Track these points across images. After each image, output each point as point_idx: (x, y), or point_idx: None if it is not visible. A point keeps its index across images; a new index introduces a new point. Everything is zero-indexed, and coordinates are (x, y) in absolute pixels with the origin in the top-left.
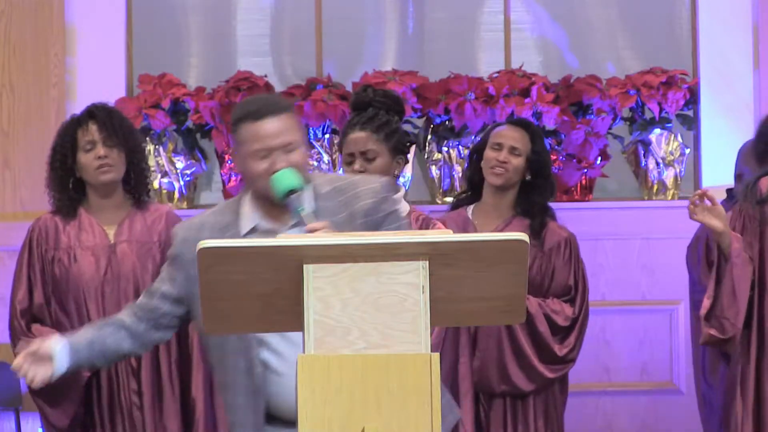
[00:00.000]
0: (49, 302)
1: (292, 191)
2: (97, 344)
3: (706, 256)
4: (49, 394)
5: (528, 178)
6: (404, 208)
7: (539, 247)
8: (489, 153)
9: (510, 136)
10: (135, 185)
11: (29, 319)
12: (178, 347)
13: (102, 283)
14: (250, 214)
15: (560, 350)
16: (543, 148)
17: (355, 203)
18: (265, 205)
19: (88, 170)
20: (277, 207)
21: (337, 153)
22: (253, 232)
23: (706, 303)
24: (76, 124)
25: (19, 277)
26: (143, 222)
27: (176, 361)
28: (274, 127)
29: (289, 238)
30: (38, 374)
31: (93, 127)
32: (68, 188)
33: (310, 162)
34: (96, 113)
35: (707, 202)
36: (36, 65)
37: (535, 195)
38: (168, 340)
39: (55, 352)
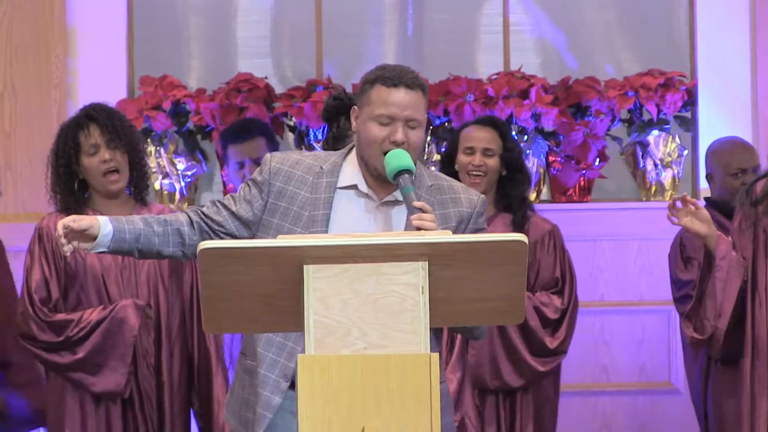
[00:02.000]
0: (65, 297)
1: (405, 171)
2: (143, 239)
3: (681, 253)
4: (92, 361)
5: (503, 173)
6: None
7: None
8: (463, 158)
9: (480, 137)
10: (137, 184)
11: (50, 308)
12: (198, 348)
13: (120, 269)
14: (353, 171)
15: (551, 342)
16: (513, 143)
17: (450, 207)
18: (367, 172)
19: (94, 175)
20: (377, 179)
21: None
22: (350, 188)
23: (691, 305)
24: (76, 126)
25: (31, 272)
26: None
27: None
28: (406, 99)
29: (289, 239)
30: (82, 244)
31: (95, 131)
32: (74, 190)
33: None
34: (96, 115)
35: (691, 207)
36: (37, 67)
37: (512, 189)
38: None
39: (101, 232)
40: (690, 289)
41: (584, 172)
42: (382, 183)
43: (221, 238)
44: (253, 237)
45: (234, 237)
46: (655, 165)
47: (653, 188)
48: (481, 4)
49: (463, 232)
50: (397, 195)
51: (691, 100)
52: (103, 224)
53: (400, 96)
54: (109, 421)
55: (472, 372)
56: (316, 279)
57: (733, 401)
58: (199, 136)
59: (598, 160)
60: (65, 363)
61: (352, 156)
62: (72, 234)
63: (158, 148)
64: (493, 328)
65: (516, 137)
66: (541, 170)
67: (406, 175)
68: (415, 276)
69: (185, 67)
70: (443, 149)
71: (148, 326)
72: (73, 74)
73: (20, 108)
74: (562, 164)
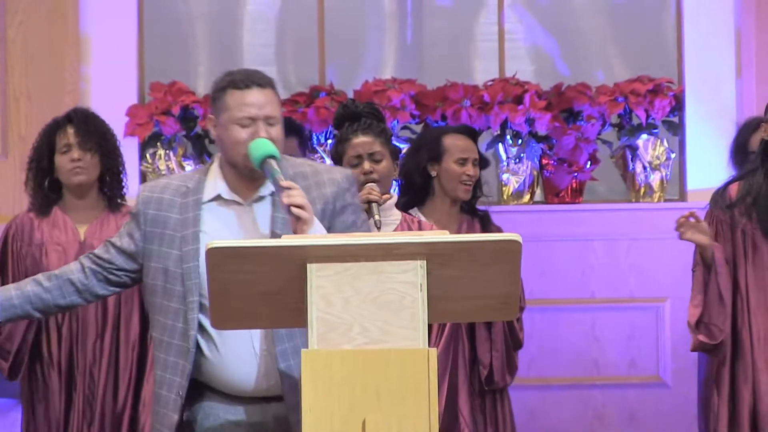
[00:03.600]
0: None
1: (269, 156)
2: (35, 299)
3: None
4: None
5: None
6: (395, 215)
7: None
8: (455, 168)
9: (471, 148)
10: (110, 188)
11: None
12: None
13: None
14: (215, 183)
15: (522, 337)
16: (483, 155)
17: (314, 191)
18: (233, 176)
19: (62, 171)
20: (244, 180)
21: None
22: (215, 200)
23: (695, 311)
24: (55, 127)
25: None
26: (115, 222)
27: (135, 357)
28: (260, 98)
29: (293, 239)
30: None
31: (70, 131)
32: (43, 187)
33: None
34: (73, 117)
35: (692, 220)
36: (52, 74)
37: (477, 196)
38: (113, 294)
39: None
40: None
41: (576, 174)
42: (249, 183)
43: (114, 275)
44: (140, 268)
45: (124, 271)
46: (644, 168)
47: (642, 190)
48: (477, 13)
49: (332, 213)
50: (262, 191)
51: (678, 106)
52: None
53: (254, 96)
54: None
55: (496, 375)
56: (318, 277)
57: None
58: (206, 140)
59: (589, 163)
60: None
61: (214, 167)
62: None
63: (168, 151)
64: (501, 327)
65: (511, 141)
66: (535, 173)
67: (271, 159)
68: (413, 274)
69: (193, 73)
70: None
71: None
72: (86, 81)
73: (35, 113)
74: (554, 167)
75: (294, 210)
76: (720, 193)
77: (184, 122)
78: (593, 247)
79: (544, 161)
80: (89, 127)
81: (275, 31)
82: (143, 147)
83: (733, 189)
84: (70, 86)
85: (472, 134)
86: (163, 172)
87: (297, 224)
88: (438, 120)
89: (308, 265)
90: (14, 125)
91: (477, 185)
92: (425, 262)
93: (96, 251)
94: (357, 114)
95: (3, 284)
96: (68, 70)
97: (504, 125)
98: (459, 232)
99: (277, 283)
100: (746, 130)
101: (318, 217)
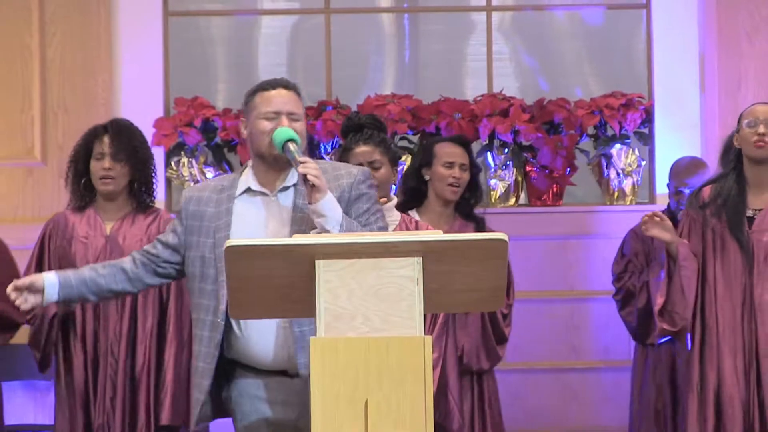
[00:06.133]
0: None
1: (290, 140)
2: (90, 282)
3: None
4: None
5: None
6: (395, 216)
7: None
8: (442, 171)
9: (458, 153)
10: (139, 193)
11: None
12: (158, 326)
13: (96, 258)
14: (246, 178)
15: (506, 332)
16: (475, 161)
17: (333, 181)
18: (261, 169)
19: (94, 177)
20: (270, 171)
21: None
22: (246, 192)
23: (660, 301)
24: (93, 133)
25: (30, 262)
26: (140, 221)
27: (155, 334)
28: (284, 96)
29: (303, 238)
30: (29, 300)
31: (106, 140)
32: (80, 187)
33: None
34: (110, 128)
35: (657, 219)
36: (86, 89)
37: (472, 201)
38: (162, 284)
39: (46, 286)
40: (615, 282)
41: (556, 180)
42: (275, 174)
43: (161, 267)
44: (183, 259)
45: (170, 263)
46: (618, 174)
47: (616, 194)
48: (468, 37)
49: (348, 200)
50: (287, 182)
51: (648, 118)
52: (47, 277)
53: (279, 94)
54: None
55: (467, 358)
56: (326, 272)
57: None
58: (225, 149)
59: (568, 169)
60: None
61: (247, 168)
62: (19, 292)
63: (190, 159)
64: (476, 318)
65: (498, 150)
66: (519, 178)
67: (291, 143)
68: (411, 269)
69: (214, 89)
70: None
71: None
72: (117, 95)
73: (72, 124)
74: (537, 173)
75: (310, 177)
76: (695, 195)
77: (205, 133)
78: (572, 245)
79: (528, 168)
80: (122, 139)
81: (287, 52)
82: (168, 155)
83: (707, 191)
84: (103, 100)
85: (462, 142)
86: (186, 179)
87: (311, 193)
88: (433, 131)
89: (316, 261)
90: (53, 135)
91: (474, 190)
92: (421, 258)
93: (146, 247)
94: (360, 125)
95: (39, 271)
96: (101, 85)
97: (492, 136)
98: (451, 232)
99: (289, 278)
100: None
101: None
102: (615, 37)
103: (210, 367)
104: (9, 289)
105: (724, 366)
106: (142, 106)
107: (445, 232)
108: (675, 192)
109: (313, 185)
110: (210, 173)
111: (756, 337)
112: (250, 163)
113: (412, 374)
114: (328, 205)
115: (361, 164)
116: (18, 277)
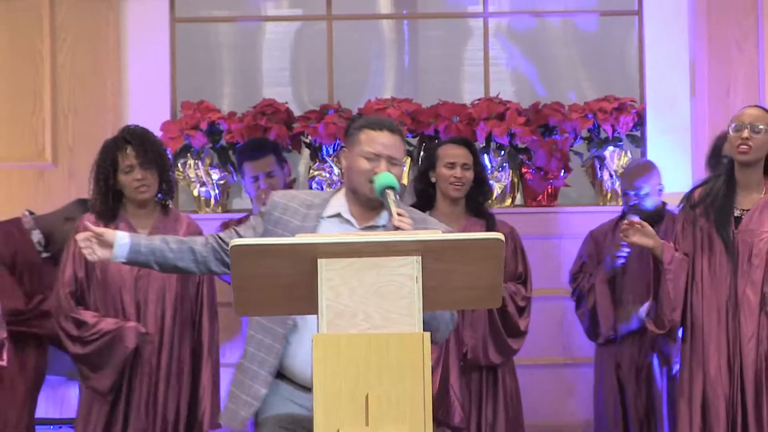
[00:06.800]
0: (89, 289)
1: (390, 187)
2: (158, 253)
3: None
4: (93, 361)
5: (472, 185)
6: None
7: None
8: (445, 171)
9: (460, 154)
10: (164, 197)
11: (76, 301)
12: (191, 340)
13: (136, 278)
14: (338, 203)
15: (522, 325)
16: (480, 162)
17: (420, 225)
18: (354, 201)
19: (128, 189)
20: (363, 207)
21: None
22: (334, 216)
23: (648, 302)
24: (115, 147)
25: (65, 266)
26: (170, 226)
27: (190, 350)
28: (389, 140)
29: (306, 237)
30: (97, 252)
31: (130, 153)
32: (109, 200)
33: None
34: (131, 138)
35: (638, 226)
36: (96, 93)
37: (480, 199)
38: (223, 274)
39: (117, 243)
40: (571, 282)
41: (551, 181)
42: (367, 211)
43: (226, 262)
44: None
45: None
46: (611, 175)
47: (609, 195)
48: (465, 42)
49: None
50: (377, 221)
51: (640, 122)
52: (120, 235)
53: (384, 137)
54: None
55: (471, 353)
56: (328, 271)
57: None
58: (230, 152)
59: (562, 171)
60: (74, 353)
61: (340, 192)
62: (90, 240)
63: (196, 161)
64: (483, 314)
65: (495, 152)
66: (516, 180)
67: (390, 190)
68: (410, 268)
69: (219, 93)
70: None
71: (146, 346)
72: (125, 98)
73: (81, 127)
74: (533, 175)
75: (402, 230)
76: (688, 195)
77: (211, 136)
78: (566, 244)
79: (524, 170)
80: (147, 147)
81: (290, 57)
82: (175, 157)
83: (698, 192)
84: (112, 104)
85: (464, 143)
86: (193, 180)
87: None
88: (431, 134)
89: (319, 260)
90: (63, 138)
91: (481, 189)
92: (420, 257)
93: (221, 233)
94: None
95: (75, 282)
96: (110, 89)
97: (489, 138)
98: (461, 230)
99: (292, 276)
100: (720, 140)
101: None
102: (608, 43)
103: (269, 377)
104: (80, 236)
105: (710, 365)
106: (149, 109)
107: (456, 230)
108: (623, 194)
109: None
110: (215, 174)
111: (740, 335)
112: (342, 188)
113: (412, 370)
114: None
115: None
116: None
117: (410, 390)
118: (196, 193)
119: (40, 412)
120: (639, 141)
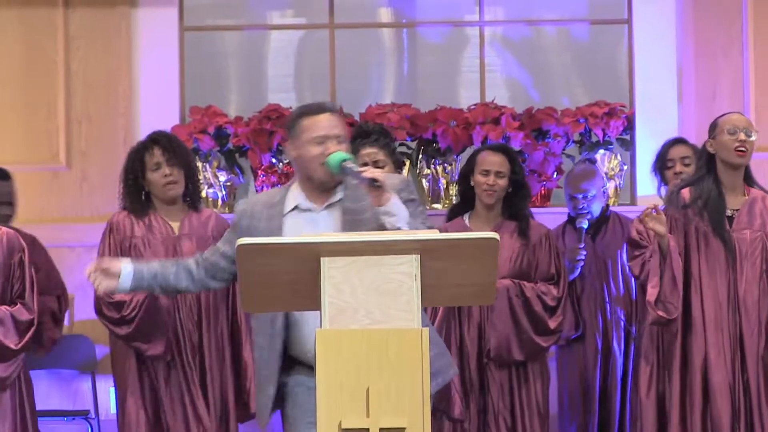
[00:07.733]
0: None
1: (345, 160)
2: (160, 277)
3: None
4: (142, 333)
5: (509, 190)
6: None
7: (526, 244)
8: (480, 178)
9: (494, 162)
10: (191, 194)
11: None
12: (228, 319)
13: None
14: (294, 196)
15: (552, 323)
16: (519, 167)
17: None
18: (309, 188)
19: (157, 186)
20: (318, 191)
21: None
22: (294, 209)
23: (653, 291)
24: (143, 149)
25: (102, 255)
26: (198, 221)
27: (229, 328)
28: (330, 121)
29: (309, 237)
30: (103, 284)
31: (158, 152)
32: (140, 198)
33: None
34: (159, 139)
35: (654, 212)
36: (107, 99)
37: (517, 202)
38: (221, 288)
39: (122, 273)
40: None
41: (545, 183)
42: (323, 193)
43: (219, 272)
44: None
45: (227, 271)
46: (601, 178)
47: None
48: (462, 50)
49: None
50: (332, 199)
51: (629, 126)
52: (124, 265)
53: (325, 119)
54: (156, 377)
55: (494, 351)
56: (330, 268)
57: None
58: (237, 155)
59: (555, 173)
60: (125, 335)
61: (294, 184)
62: (97, 272)
63: (204, 164)
64: (505, 313)
65: None
66: None
67: (348, 162)
68: (409, 266)
69: (226, 99)
70: (431, 165)
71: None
72: (136, 104)
73: (94, 132)
74: (527, 177)
75: (379, 179)
76: (675, 196)
77: (218, 140)
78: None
79: None
80: (173, 146)
81: (294, 64)
82: None
83: (685, 192)
84: (123, 109)
85: (501, 150)
86: (200, 182)
87: (380, 195)
88: (429, 137)
89: (321, 258)
90: (76, 142)
91: (518, 192)
92: (419, 256)
93: (206, 253)
94: (368, 132)
95: None
96: (121, 96)
97: (484, 142)
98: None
99: (296, 274)
100: (666, 146)
101: None
102: (599, 51)
103: (274, 368)
104: (89, 269)
105: (711, 357)
106: (159, 114)
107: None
108: (570, 198)
109: (380, 187)
110: (222, 176)
111: (740, 330)
112: (296, 180)
113: (411, 364)
114: (397, 204)
115: (366, 164)
116: (60, 287)
117: (409, 384)
118: (204, 194)
119: (53, 404)
120: (628, 144)
